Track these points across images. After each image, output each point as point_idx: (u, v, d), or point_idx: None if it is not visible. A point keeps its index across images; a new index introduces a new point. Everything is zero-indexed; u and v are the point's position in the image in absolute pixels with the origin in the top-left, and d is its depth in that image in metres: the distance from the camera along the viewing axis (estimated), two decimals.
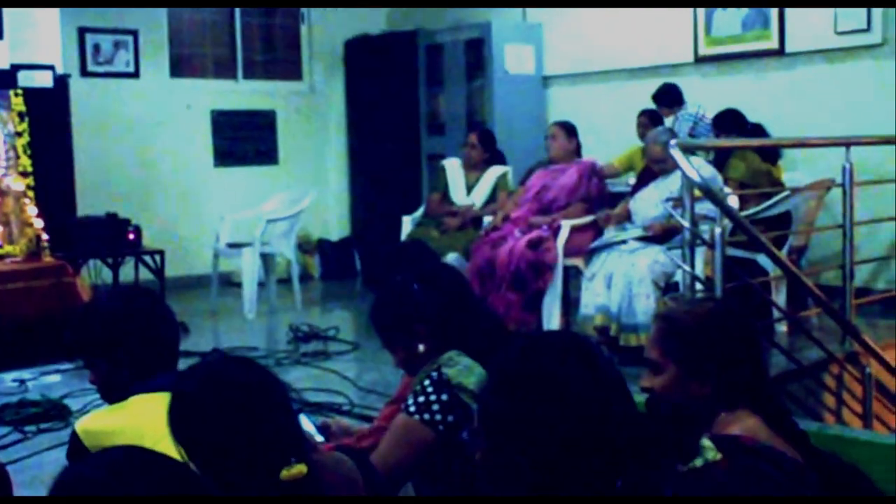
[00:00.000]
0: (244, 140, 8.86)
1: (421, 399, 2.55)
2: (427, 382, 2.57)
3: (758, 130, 6.67)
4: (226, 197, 8.44)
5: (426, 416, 2.53)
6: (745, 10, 7.18)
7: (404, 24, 9.12)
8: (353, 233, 9.39)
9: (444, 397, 2.53)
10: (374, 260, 8.35)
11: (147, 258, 7.02)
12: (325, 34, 9.32)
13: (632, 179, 6.41)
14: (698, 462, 1.80)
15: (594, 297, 5.39)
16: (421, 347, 2.68)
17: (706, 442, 1.82)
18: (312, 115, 9.31)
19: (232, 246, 7.43)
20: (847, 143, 5.57)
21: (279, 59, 9.33)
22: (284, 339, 6.25)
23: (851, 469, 2.13)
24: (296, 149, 9.14)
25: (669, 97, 7.05)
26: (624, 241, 5.53)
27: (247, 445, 1.73)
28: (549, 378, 1.60)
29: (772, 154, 6.46)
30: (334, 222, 9.41)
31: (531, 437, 1.58)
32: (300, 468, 1.70)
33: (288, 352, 5.92)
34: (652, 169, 5.73)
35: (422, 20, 8.98)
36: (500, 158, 6.94)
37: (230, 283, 8.04)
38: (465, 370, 2.56)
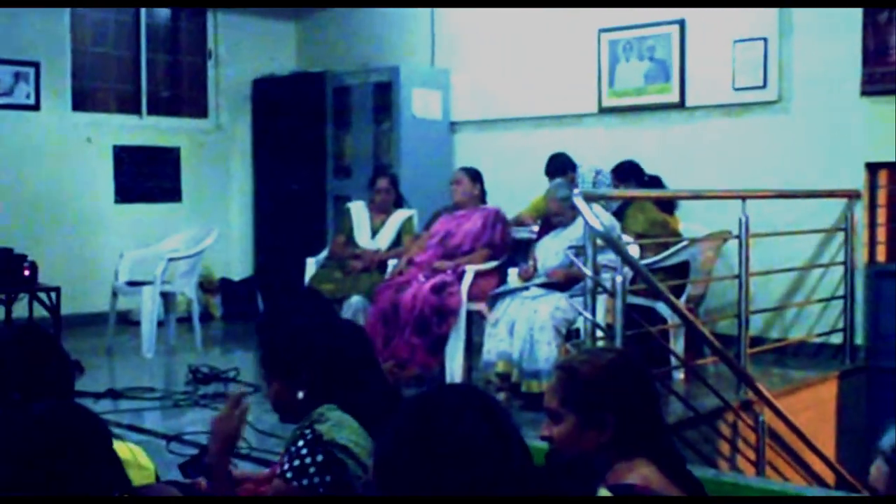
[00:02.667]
0: (147, 177, 8.72)
1: (296, 463, 2.53)
2: (301, 444, 2.55)
3: (654, 182, 6.82)
4: (126, 234, 8.28)
5: (304, 482, 2.51)
6: (647, 64, 7.37)
7: (313, 66, 9.13)
8: (256, 273, 9.30)
9: (318, 458, 2.52)
10: (268, 306, 8.30)
11: (42, 295, 6.84)
12: (232, 72, 9.27)
13: (536, 227, 6.49)
14: None
15: (496, 344, 5.42)
16: (300, 394, 2.67)
17: (603, 492, 1.84)
18: (217, 154, 9.23)
19: (131, 284, 7.29)
20: (743, 196, 5.74)
21: (185, 96, 9.25)
22: (183, 379, 6.14)
23: None
24: (199, 187, 9.04)
25: (562, 164, 7.06)
26: (526, 288, 5.58)
27: (70, 481, 1.76)
28: (447, 436, 1.60)
29: (668, 204, 6.62)
30: (237, 262, 9.31)
31: (429, 494, 1.57)
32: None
33: (187, 393, 5.80)
34: (551, 222, 5.83)
35: (330, 62, 9.00)
36: (402, 202, 6.97)
37: (128, 321, 7.88)
38: (336, 425, 2.55)
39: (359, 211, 6.95)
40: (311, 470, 2.50)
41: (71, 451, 1.77)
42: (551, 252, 5.62)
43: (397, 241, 6.74)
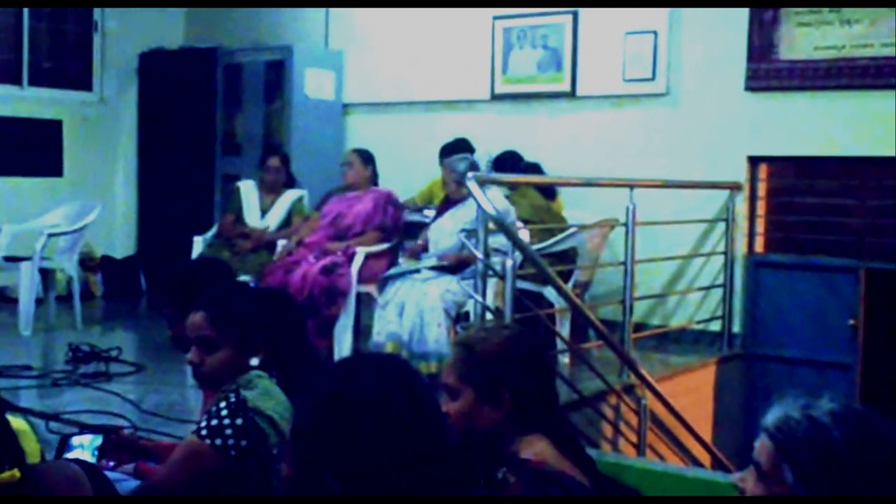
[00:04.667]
0: (27, 150, 8.42)
1: (214, 422, 2.48)
2: (223, 405, 2.51)
3: (533, 169, 6.90)
4: (4, 208, 7.99)
5: (217, 442, 2.46)
6: (540, 53, 7.44)
7: (203, 41, 8.94)
8: (140, 251, 9.09)
9: (238, 421, 2.48)
10: (165, 277, 8.10)
11: None
12: (119, 44, 9.00)
13: (429, 211, 6.50)
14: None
15: (386, 325, 5.42)
16: (254, 361, 2.61)
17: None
18: (101, 128, 8.96)
19: (9, 259, 7.05)
20: (631, 185, 5.86)
21: (69, 68, 8.95)
22: (62, 358, 5.96)
23: (632, 493, 2.23)
24: (82, 161, 8.77)
25: (461, 150, 7.09)
26: (417, 270, 5.60)
27: None
28: (366, 400, 1.61)
29: (550, 190, 6.72)
30: (120, 239, 9.07)
31: (344, 457, 1.58)
32: (13, 473, 1.74)
33: (66, 372, 5.64)
34: (449, 199, 5.83)
35: (221, 37, 8.82)
36: (293, 182, 6.91)
37: (5, 298, 7.62)
38: (263, 394, 2.52)
39: (248, 190, 6.86)
40: (228, 431, 2.46)
41: None
42: (445, 232, 5.65)
43: (287, 222, 6.68)
